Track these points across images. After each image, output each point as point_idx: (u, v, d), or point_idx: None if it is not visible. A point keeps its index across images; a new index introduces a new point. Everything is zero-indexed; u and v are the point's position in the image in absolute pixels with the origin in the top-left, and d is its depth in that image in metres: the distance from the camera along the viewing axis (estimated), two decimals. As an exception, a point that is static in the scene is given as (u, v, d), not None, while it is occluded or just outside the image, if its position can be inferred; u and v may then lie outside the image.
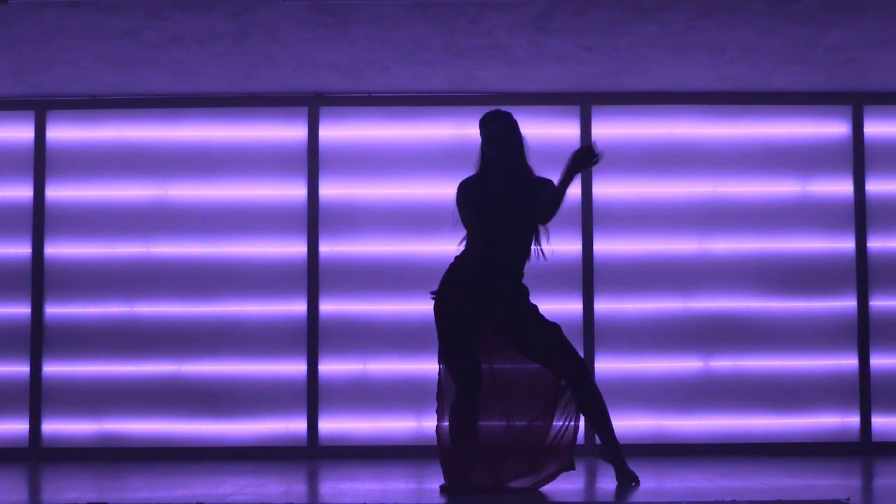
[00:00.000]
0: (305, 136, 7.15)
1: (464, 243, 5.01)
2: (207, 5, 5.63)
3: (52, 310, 7.07)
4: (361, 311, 7.06)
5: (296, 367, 7.03)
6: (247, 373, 7.03)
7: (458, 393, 4.92)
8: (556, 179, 4.91)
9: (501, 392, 5.07)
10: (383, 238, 7.06)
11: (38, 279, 7.06)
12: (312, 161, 7.11)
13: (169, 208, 7.13)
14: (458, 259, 5.02)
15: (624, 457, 5.04)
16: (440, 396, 5.03)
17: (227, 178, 7.14)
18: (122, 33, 6.02)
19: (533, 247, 5.06)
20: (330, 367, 7.03)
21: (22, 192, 7.15)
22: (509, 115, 5.08)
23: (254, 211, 7.12)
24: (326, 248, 7.09)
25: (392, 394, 6.99)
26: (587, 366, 5.07)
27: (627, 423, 6.87)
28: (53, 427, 7.02)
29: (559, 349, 4.99)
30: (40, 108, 7.16)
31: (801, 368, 7.02)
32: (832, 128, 7.17)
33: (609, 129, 7.13)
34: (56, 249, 7.10)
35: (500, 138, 5.00)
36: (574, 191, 7.08)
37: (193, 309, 7.07)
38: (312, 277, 7.04)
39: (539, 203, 4.94)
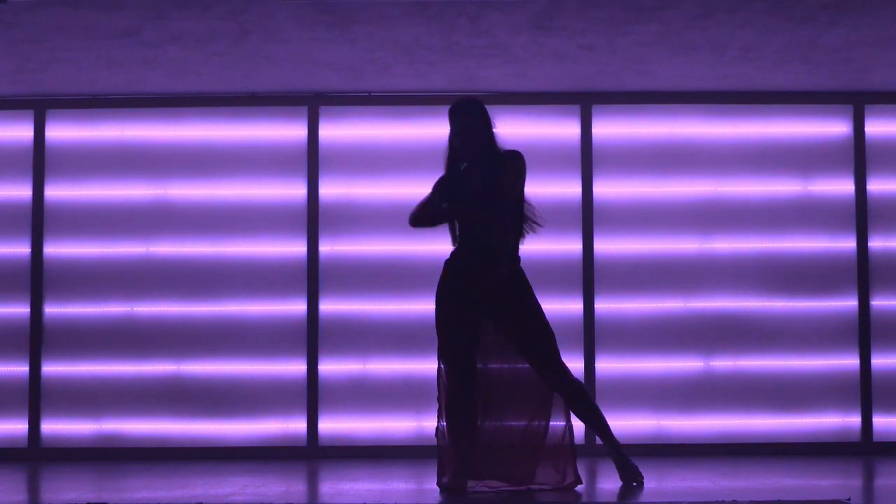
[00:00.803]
0: (305, 136, 7.14)
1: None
2: (207, 4, 5.62)
3: (52, 310, 7.06)
4: (361, 310, 7.05)
5: (296, 367, 7.02)
6: (246, 373, 7.02)
7: (451, 391, 4.92)
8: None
9: (499, 392, 5.06)
10: (383, 238, 7.05)
11: (37, 279, 7.05)
12: (312, 160, 7.11)
13: (168, 208, 7.12)
14: (451, 254, 5.07)
15: (625, 454, 5.04)
16: (440, 396, 5.03)
17: (226, 178, 7.13)
18: (122, 32, 6.01)
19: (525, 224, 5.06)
20: (330, 367, 7.02)
21: (21, 191, 7.14)
22: (475, 104, 5.06)
23: (253, 210, 7.11)
24: (326, 248, 7.09)
25: (392, 394, 6.98)
26: (572, 381, 5.00)
27: (628, 423, 6.87)
28: (53, 427, 7.01)
29: (546, 358, 4.96)
30: (39, 108, 7.15)
31: (802, 368, 7.01)
32: (833, 127, 7.16)
33: (609, 129, 7.12)
34: (55, 249, 7.10)
35: (468, 129, 5.01)
36: (574, 190, 7.10)
37: (193, 309, 7.06)
38: (312, 277, 7.03)
39: (504, 183, 4.95)
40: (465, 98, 5.11)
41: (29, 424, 6.99)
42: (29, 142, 7.16)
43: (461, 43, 6.20)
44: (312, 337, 7.00)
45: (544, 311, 5.03)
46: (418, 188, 7.02)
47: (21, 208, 7.13)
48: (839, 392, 7.01)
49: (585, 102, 7.12)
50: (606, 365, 6.99)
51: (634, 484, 4.99)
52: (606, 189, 7.10)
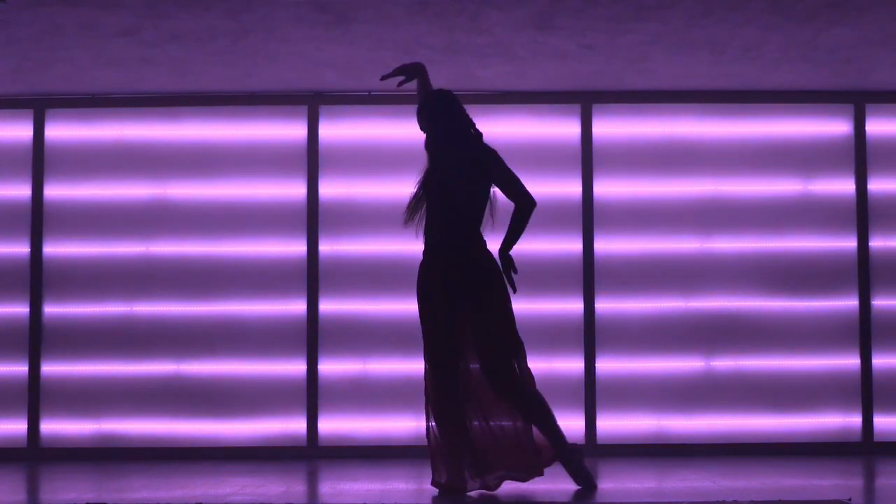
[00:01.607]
0: (305, 135, 7.13)
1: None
2: (207, 3, 5.61)
3: (51, 309, 7.05)
4: (361, 310, 7.04)
5: (295, 367, 7.01)
6: (246, 373, 7.01)
7: (435, 392, 4.94)
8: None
9: (480, 391, 5.05)
10: (383, 238, 7.04)
11: (36, 278, 7.04)
12: (312, 160, 7.10)
13: (168, 207, 7.11)
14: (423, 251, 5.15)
15: (579, 459, 4.99)
16: (427, 396, 5.05)
17: (226, 177, 7.12)
18: (121, 31, 6.00)
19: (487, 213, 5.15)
20: (330, 367, 7.01)
21: (20, 190, 7.13)
22: (442, 98, 5.21)
23: (253, 210, 7.10)
24: (326, 248, 7.08)
25: (392, 394, 6.97)
26: (514, 382, 4.99)
27: (628, 423, 6.86)
28: (52, 427, 7.00)
29: (497, 369, 4.94)
30: (39, 107, 7.14)
31: (803, 368, 7.00)
32: (834, 126, 7.15)
33: (610, 128, 7.11)
34: (54, 248, 7.09)
35: (435, 124, 5.18)
36: (575, 190, 7.09)
37: (192, 308, 7.05)
38: (312, 277, 7.02)
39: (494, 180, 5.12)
40: (430, 95, 5.26)
41: (28, 424, 6.98)
42: (28, 141, 7.15)
43: (461, 42, 6.19)
44: (312, 337, 6.99)
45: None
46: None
47: (20, 208, 7.12)
48: (840, 392, 7.00)
49: (586, 101, 7.11)
50: (607, 365, 6.98)
51: (586, 489, 4.96)
52: (607, 188, 7.09)
